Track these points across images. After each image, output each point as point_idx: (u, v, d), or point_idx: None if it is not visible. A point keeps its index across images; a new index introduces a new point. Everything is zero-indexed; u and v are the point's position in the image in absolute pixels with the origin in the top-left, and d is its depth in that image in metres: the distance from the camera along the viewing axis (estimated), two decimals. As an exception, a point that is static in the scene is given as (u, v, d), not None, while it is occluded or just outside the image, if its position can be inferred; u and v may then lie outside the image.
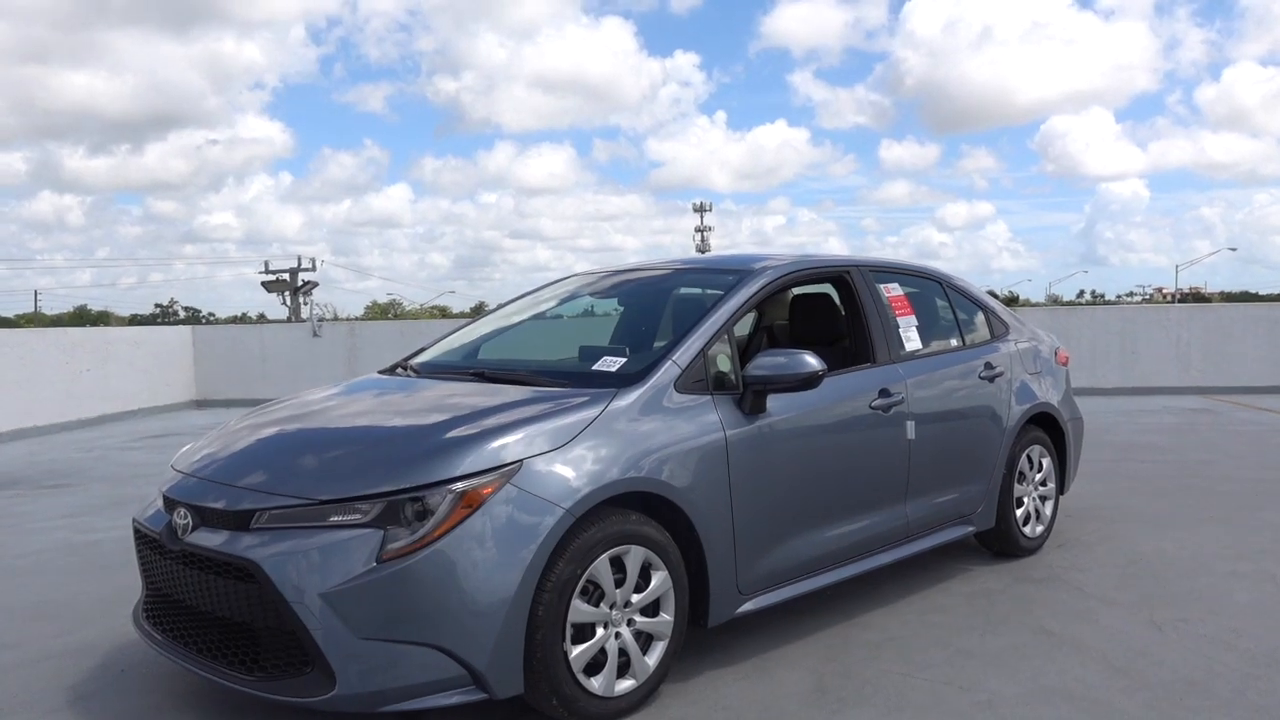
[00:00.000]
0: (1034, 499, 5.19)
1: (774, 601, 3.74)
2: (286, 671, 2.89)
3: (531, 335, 4.65)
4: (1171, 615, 4.15)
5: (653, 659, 3.30)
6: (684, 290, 4.39)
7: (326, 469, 3.09)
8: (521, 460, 3.02)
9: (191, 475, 3.34)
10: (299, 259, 41.22)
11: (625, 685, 3.22)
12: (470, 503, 2.89)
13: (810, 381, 3.65)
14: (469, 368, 4.07)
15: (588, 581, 3.09)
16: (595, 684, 3.12)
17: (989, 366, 4.91)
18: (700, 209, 71.42)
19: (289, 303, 35.19)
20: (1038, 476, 5.21)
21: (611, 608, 3.18)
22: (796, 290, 4.83)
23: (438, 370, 4.16)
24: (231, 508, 3.04)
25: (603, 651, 3.16)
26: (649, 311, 4.42)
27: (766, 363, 3.64)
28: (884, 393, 4.21)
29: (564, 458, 3.10)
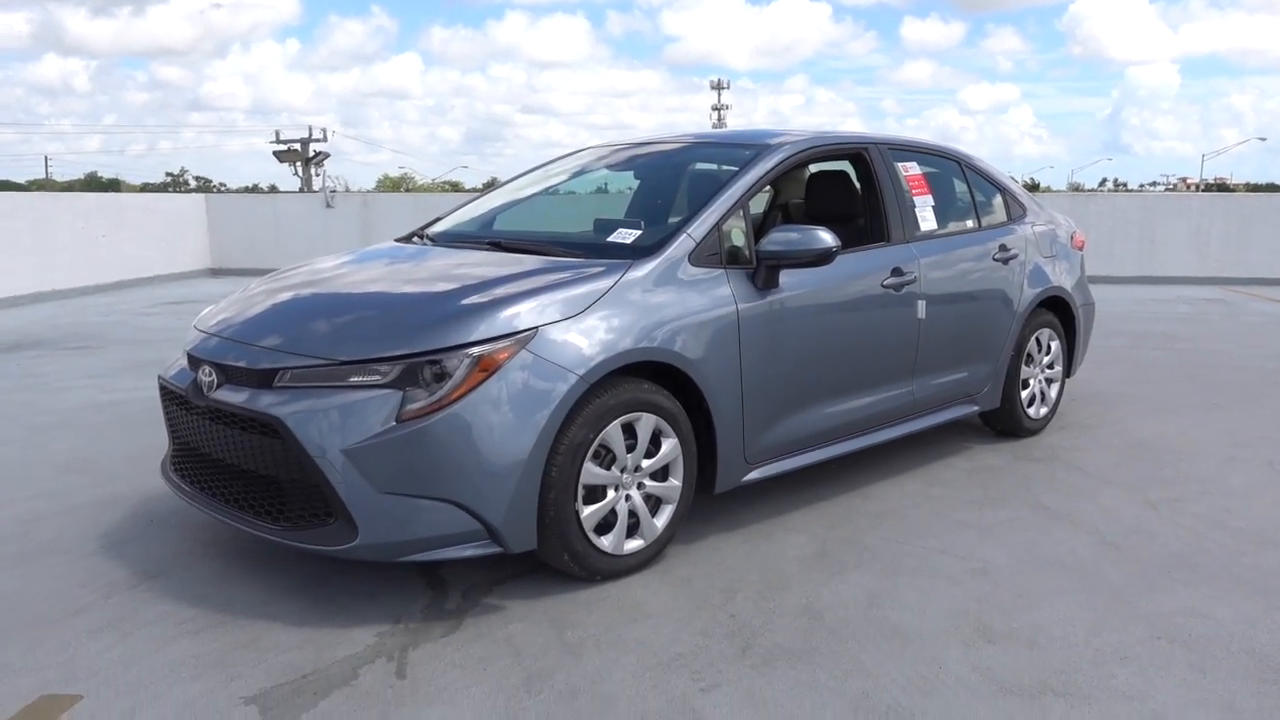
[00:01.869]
0: (1040, 381, 5.26)
1: (779, 471, 3.85)
2: (311, 522, 3.02)
3: (547, 207, 4.66)
4: (1166, 495, 4.26)
5: (661, 521, 3.43)
6: (699, 165, 4.37)
7: (347, 331, 3.16)
8: (537, 328, 3.09)
9: (214, 335, 3.42)
10: (310, 129, 40.60)
11: (634, 545, 3.35)
12: (486, 367, 2.97)
13: (824, 258, 3.67)
14: (484, 237, 4.10)
15: (600, 446, 3.20)
16: (605, 542, 3.26)
17: (1004, 249, 4.91)
18: (717, 86, 69.81)
19: (300, 174, 34.85)
20: (1045, 359, 5.27)
21: (623, 471, 3.29)
22: (814, 168, 4.80)
23: (454, 239, 4.19)
24: (254, 366, 3.12)
25: (613, 512, 3.29)
26: (664, 185, 4.41)
27: (780, 238, 3.65)
28: (897, 271, 4.23)
29: (578, 326, 3.16)
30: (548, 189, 4.73)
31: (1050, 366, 5.33)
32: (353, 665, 2.75)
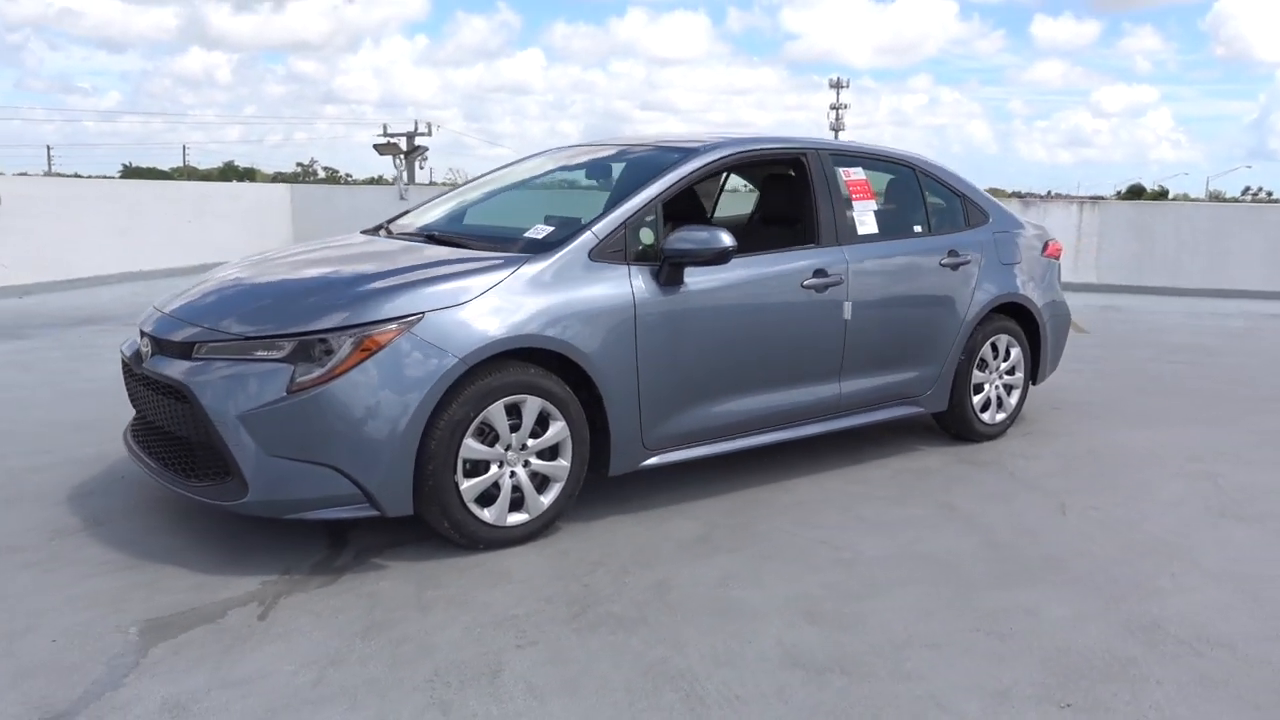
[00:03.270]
0: (996, 387, 5.31)
1: (685, 458, 4.07)
2: (212, 479, 3.39)
3: (509, 203, 4.94)
4: (1084, 502, 4.30)
5: (547, 498, 3.69)
6: (637, 168, 4.58)
7: (259, 311, 3.52)
8: (423, 313, 3.38)
9: (161, 312, 3.83)
10: (415, 123, 41.91)
11: (517, 518, 3.62)
12: (368, 347, 3.28)
13: (721, 257, 3.87)
14: (425, 231, 4.41)
15: (483, 423, 3.47)
16: (487, 514, 3.53)
17: (953, 254, 4.99)
18: (836, 85, 69.07)
19: (401, 166, 36.12)
20: (1003, 365, 5.32)
21: (507, 449, 3.56)
22: (774, 172, 5.00)
23: (403, 232, 4.52)
24: (179, 339, 3.51)
25: (496, 486, 3.56)
26: (602, 185, 4.65)
27: (682, 237, 3.86)
28: (820, 273, 4.38)
29: (464, 313, 3.44)
30: (510, 186, 5.02)
31: (1010, 373, 5.37)
32: (225, 607, 3.09)
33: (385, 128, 40.92)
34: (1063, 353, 5.88)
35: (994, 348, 5.24)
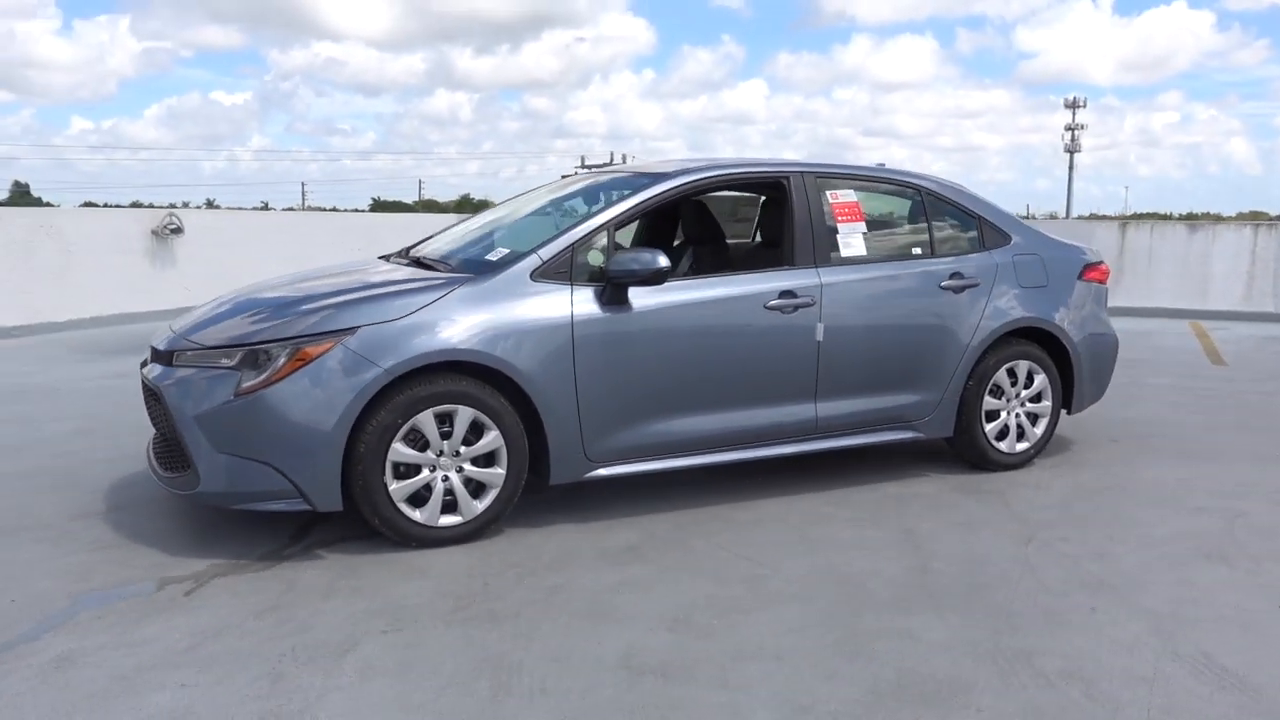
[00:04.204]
0: (1017, 415, 5.11)
1: (634, 472, 4.21)
2: (179, 471, 3.85)
3: (515, 229, 5.23)
4: (1057, 536, 4.11)
5: (482, 504, 3.93)
6: (605, 193, 4.75)
7: (230, 325, 3.96)
8: (357, 327, 3.72)
9: (170, 329, 4.35)
10: (611, 155, 43.31)
11: (450, 520, 3.88)
12: (303, 357, 3.65)
13: (658, 277, 4.02)
14: (418, 257, 4.75)
15: (412, 430, 3.77)
16: (418, 514, 3.82)
17: (957, 276, 4.88)
18: (1072, 105, 66.09)
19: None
20: (1024, 393, 5.11)
21: (439, 455, 3.83)
22: (756, 196, 5.07)
23: (405, 256, 4.90)
24: (165, 349, 4.00)
25: (429, 488, 3.84)
26: (574, 211, 4.85)
27: (622, 259, 4.04)
28: (787, 294, 4.42)
29: (397, 328, 3.75)
30: (509, 214, 5.26)
31: (1035, 400, 5.15)
32: (165, 583, 3.51)
33: (582, 160, 42.59)
34: (1108, 381, 5.57)
35: (1011, 374, 5.05)
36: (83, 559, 3.73)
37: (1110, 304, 5.69)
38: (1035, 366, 5.12)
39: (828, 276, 4.55)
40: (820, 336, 4.48)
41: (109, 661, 2.90)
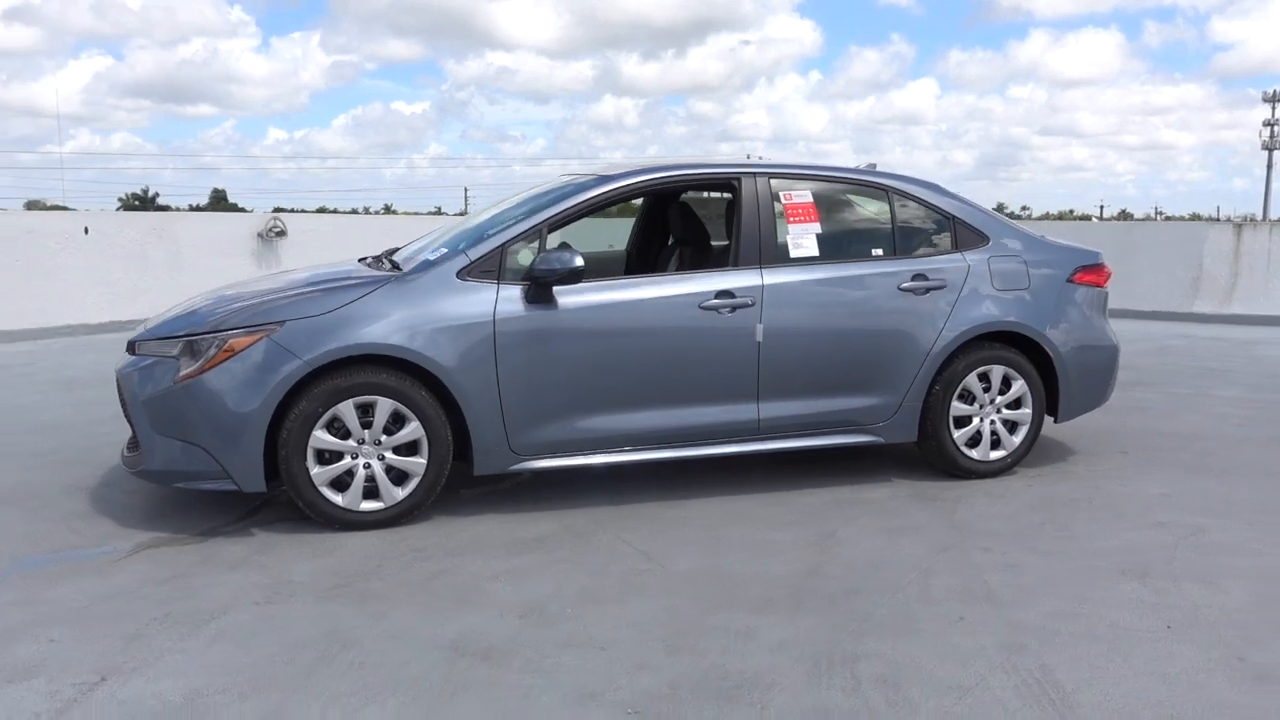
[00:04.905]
0: (992, 421, 4.94)
1: (562, 465, 4.34)
2: (134, 451, 4.21)
3: (475, 230, 5.36)
4: (981, 546, 3.98)
5: (404, 491, 4.13)
6: (553, 194, 4.83)
7: (183, 320, 4.29)
8: (285, 321, 3.99)
9: (144, 327, 4.73)
10: (748, 156, 43.22)
11: (371, 505, 4.10)
12: (231, 349, 3.94)
13: (574, 275, 4.14)
14: (390, 258, 4.98)
15: (335, 418, 4.01)
16: (340, 499, 4.06)
17: (920, 278, 4.77)
18: (1273, 99, 62.32)
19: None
20: (1000, 399, 4.94)
21: (360, 443, 4.06)
22: (706, 196, 5.19)
23: (377, 260, 5.15)
24: (131, 341, 4.38)
25: (351, 474, 4.07)
26: (526, 212, 4.93)
27: (543, 258, 4.17)
28: (724, 294, 4.44)
29: (320, 323, 4.00)
30: (483, 217, 5.41)
31: (1013, 407, 4.97)
32: (102, 552, 3.86)
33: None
34: (1107, 389, 5.30)
35: (985, 379, 4.89)
36: (46, 526, 4.14)
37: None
38: (1012, 372, 4.94)
39: (771, 277, 4.54)
40: (760, 337, 4.48)
41: (4, 616, 3.24)
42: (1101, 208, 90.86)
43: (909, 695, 2.75)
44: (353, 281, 4.22)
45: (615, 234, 7.22)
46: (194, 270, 11.76)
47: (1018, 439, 5.00)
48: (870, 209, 4.99)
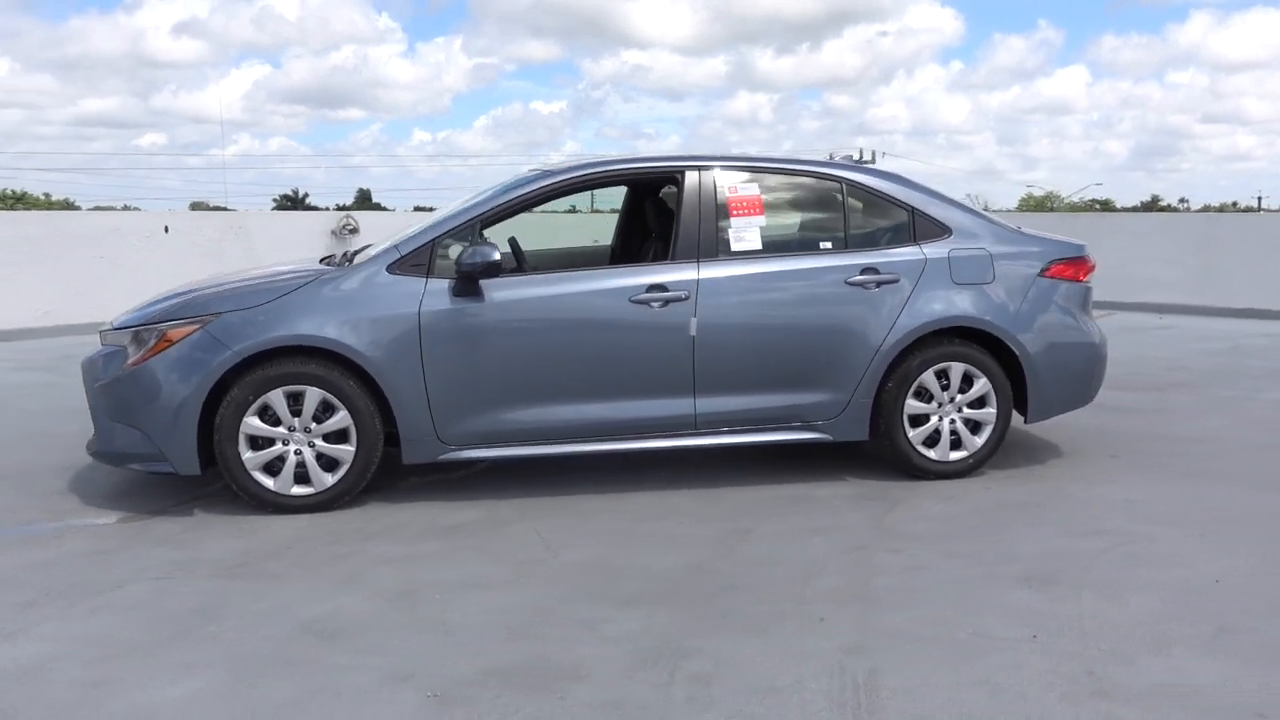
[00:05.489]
0: (952, 420, 4.78)
1: (492, 456, 4.47)
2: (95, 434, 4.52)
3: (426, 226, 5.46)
4: (888, 547, 3.88)
5: (333, 477, 4.30)
6: (492, 189, 4.88)
7: (141, 311, 4.55)
8: (221, 313, 4.21)
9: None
10: (860, 152, 42.45)
11: (301, 490, 4.28)
12: (169, 339, 4.18)
13: (492, 269, 4.24)
14: (348, 255, 5.15)
15: (266, 406, 4.20)
16: (271, 483, 4.25)
17: (870, 272, 4.65)
18: None
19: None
20: (961, 398, 4.77)
21: (291, 430, 4.24)
22: (649, 190, 5.27)
23: (346, 258, 5.32)
24: (100, 331, 4.68)
25: (282, 460, 4.26)
26: (463, 208, 4.97)
27: (467, 252, 4.26)
28: (657, 288, 4.44)
29: (253, 315, 4.20)
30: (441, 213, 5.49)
31: (975, 406, 4.79)
32: (53, 526, 4.16)
33: (831, 156, 42.21)
34: (1091, 387, 5.03)
35: (943, 377, 4.74)
36: (16, 501, 4.48)
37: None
38: (974, 370, 4.76)
39: (708, 271, 4.51)
40: (694, 331, 4.46)
41: (-56, 578, 3.55)
42: (1260, 199, 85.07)
43: (713, 693, 2.72)
44: (289, 277, 4.40)
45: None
46: (271, 265, 12.35)
47: (981, 439, 4.82)
48: (821, 201, 4.89)
